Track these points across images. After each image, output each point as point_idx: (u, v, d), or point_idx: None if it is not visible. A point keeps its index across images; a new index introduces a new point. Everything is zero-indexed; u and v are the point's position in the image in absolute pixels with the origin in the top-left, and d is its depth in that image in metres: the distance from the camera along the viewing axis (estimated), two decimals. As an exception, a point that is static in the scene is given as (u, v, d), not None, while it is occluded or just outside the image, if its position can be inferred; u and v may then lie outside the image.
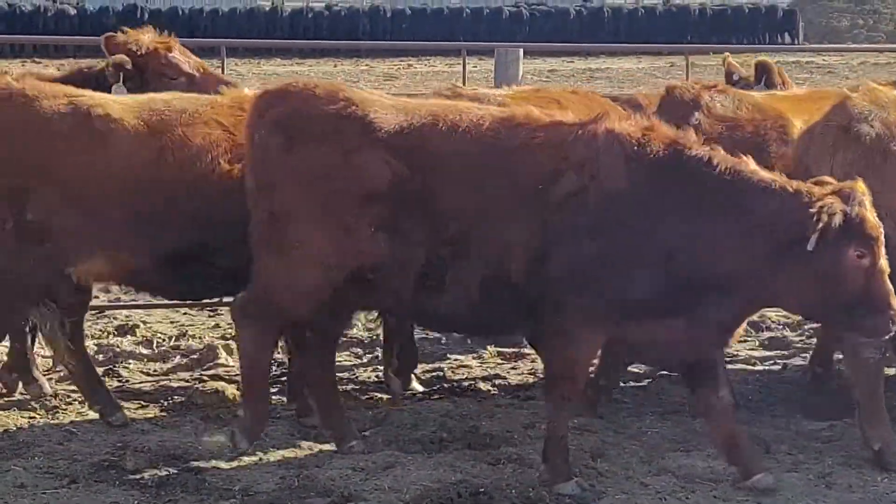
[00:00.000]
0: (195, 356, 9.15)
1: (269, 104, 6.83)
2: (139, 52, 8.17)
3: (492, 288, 6.60)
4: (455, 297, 6.64)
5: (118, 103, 7.48)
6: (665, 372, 8.98)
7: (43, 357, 9.06)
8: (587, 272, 6.46)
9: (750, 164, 6.57)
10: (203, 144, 7.34)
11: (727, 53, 10.92)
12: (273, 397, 8.26)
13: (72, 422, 7.70)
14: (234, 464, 7.03)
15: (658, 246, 6.46)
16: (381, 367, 9.03)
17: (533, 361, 9.22)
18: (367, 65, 35.98)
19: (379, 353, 9.46)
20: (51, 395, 8.13)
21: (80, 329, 7.79)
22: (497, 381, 8.79)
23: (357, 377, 8.86)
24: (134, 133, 7.30)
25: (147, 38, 8.23)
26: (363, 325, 10.17)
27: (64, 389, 8.30)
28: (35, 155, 7.22)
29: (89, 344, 9.33)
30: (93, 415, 7.80)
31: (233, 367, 8.97)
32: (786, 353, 9.69)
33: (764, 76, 9.71)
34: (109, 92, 7.88)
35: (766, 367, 9.30)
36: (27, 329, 8.15)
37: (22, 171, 7.19)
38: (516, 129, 6.65)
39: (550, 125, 6.67)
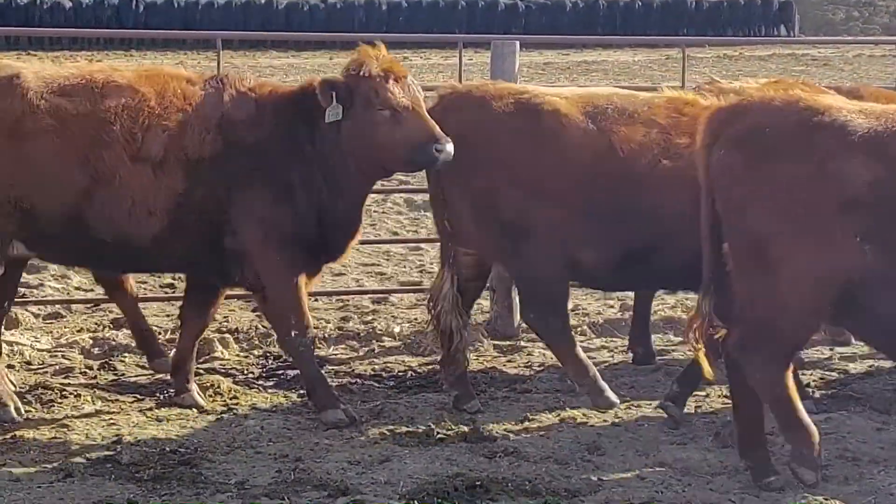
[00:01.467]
0: (191, 349, 9.11)
1: (726, 121, 6.55)
2: (357, 72, 7.61)
3: None
4: None
5: (563, 99, 7.71)
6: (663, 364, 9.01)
7: (39, 350, 9.06)
8: None
9: None
10: (643, 142, 7.58)
11: None
12: (268, 392, 8.29)
13: (67, 415, 7.69)
14: (230, 457, 7.03)
15: None
16: (377, 361, 9.04)
17: (529, 355, 9.22)
18: (362, 57, 35.93)
19: (375, 346, 9.45)
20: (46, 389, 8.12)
21: None
22: (493, 375, 8.79)
23: (353, 370, 8.85)
24: (582, 129, 7.60)
25: (381, 58, 7.61)
26: (359, 318, 10.16)
27: (59, 383, 8.28)
28: (493, 154, 7.50)
29: (84, 337, 9.32)
30: (88, 408, 7.80)
31: (228, 360, 8.96)
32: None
33: None
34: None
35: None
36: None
37: (486, 172, 7.49)
38: None
39: None
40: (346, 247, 7.90)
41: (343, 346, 9.50)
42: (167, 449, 7.08)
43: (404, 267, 12.31)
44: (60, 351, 9.13)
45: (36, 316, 9.90)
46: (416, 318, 10.05)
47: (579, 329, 9.82)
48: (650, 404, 8.06)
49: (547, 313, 7.87)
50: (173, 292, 10.49)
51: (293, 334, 7.66)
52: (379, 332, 9.71)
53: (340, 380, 8.57)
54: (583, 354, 8.04)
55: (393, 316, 10.22)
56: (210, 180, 7.48)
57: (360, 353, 9.36)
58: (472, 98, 7.78)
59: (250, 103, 7.64)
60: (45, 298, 10.47)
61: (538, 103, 7.68)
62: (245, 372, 8.75)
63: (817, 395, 8.30)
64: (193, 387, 7.99)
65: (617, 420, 7.79)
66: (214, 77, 7.77)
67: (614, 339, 9.71)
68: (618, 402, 7.86)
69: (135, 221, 7.42)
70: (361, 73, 7.50)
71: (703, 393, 8.35)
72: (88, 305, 10.32)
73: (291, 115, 7.66)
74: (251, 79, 7.81)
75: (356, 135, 7.50)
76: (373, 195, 9.74)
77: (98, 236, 7.44)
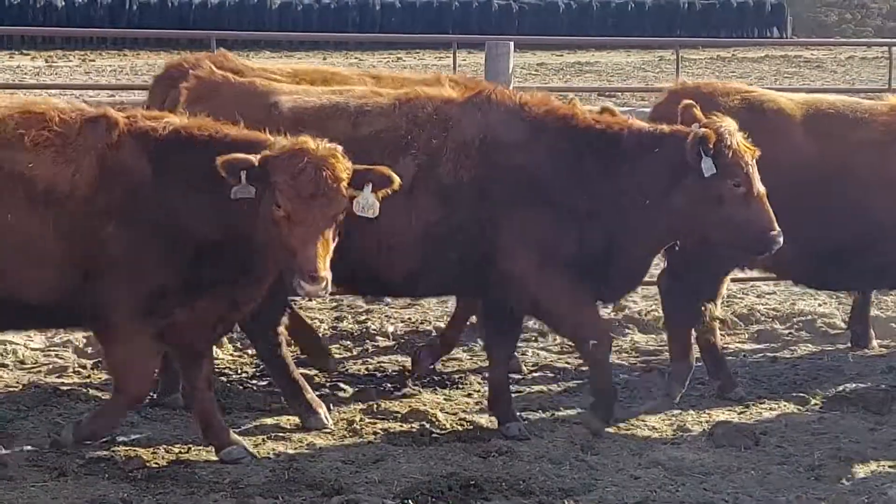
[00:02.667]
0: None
1: None
2: (725, 136, 7.22)
3: None
4: None
5: (789, 100, 8.09)
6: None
7: (32, 349, 9.04)
8: None
9: None
10: (866, 144, 7.91)
11: None
12: (262, 392, 8.29)
13: (60, 414, 7.67)
14: (224, 456, 7.03)
15: None
16: (371, 360, 9.04)
17: (522, 354, 9.21)
18: (356, 58, 35.94)
19: (369, 346, 9.45)
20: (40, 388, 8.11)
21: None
22: (487, 375, 8.77)
23: (347, 370, 8.85)
24: (802, 127, 7.93)
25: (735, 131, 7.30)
26: (353, 318, 10.16)
27: (53, 382, 8.27)
28: None
29: (78, 336, 9.30)
30: (82, 407, 7.78)
31: (222, 359, 8.95)
32: (775, 345, 9.70)
33: None
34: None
35: (756, 360, 9.30)
36: None
37: None
38: None
39: None
40: (618, 296, 8.00)
41: (337, 345, 9.49)
42: (161, 448, 7.07)
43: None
44: (54, 350, 9.12)
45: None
46: (409, 318, 10.05)
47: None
48: (644, 403, 8.07)
49: (689, 302, 8.05)
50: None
51: (591, 343, 7.46)
52: (373, 331, 9.71)
53: (334, 380, 8.55)
54: (693, 356, 8.14)
55: (387, 316, 10.22)
56: (472, 205, 7.26)
57: (354, 353, 9.35)
58: (699, 94, 7.94)
59: (520, 124, 7.36)
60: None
61: (763, 100, 8.03)
62: (239, 371, 8.74)
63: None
64: None
65: (611, 420, 7.79)
66: (478, 94, 7.51)
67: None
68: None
69: (385, 253, 7.27)
70: (730, 142, 7.21)
71: (697, 393, 8.37)
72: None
73: (583, 144, 7.35)
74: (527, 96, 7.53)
75: (696, 198, 7.24)
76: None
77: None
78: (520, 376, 8.66)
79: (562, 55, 37.93)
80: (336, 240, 6.42)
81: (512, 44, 9.96)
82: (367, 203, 6.53)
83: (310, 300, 6.60)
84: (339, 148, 6.46)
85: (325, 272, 6.26)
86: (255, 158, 6.36)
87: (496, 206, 7.23)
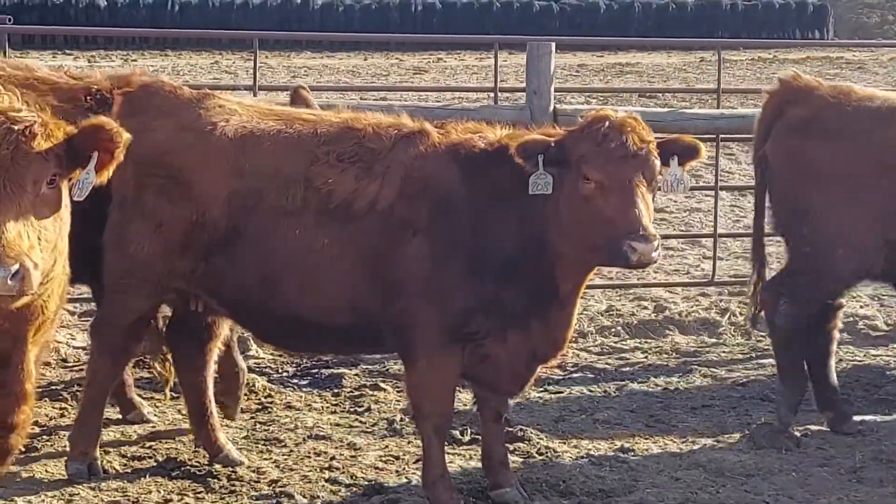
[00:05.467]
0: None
1: None
2: None
3: None
4: None
5: None
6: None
7: (74, 348, 9.08)
8: None
9: None
10: None
11: None
12: (303, 391, 8.31)
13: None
14: (264, 455, 7.04)
15: None
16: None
17: (562, 355, 9.20)
18: (396, 58, 35.93)
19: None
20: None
21: None
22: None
23: (388, 369, 8.85)
24: None
25: None
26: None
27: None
28: None
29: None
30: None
31: (263, 358, 8.96)
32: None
33: None
34: None
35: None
36: None
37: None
38: None
39: None
40: None
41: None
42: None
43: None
44: (96, 348, 9.14)
45: (71, 313, 9.91)
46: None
47: (613, 330, 9.81)
48: (685, 406, 8.05)
49: None
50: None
51: None
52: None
53: (373, 379, 8.56)
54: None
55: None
56: None
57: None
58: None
59: None
60: (80, 296, 10.49)
61: None
62: (279, 371, 8.76)
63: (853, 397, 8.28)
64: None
65: (650, 421, 7.78)
66: None
67: (648, 340, 9.69)
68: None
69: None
70: None
71: (738, 395, 8.34)
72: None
73: None
74: None
75: None
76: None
77: None
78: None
79: (602, 56, 37.82)
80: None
81: (553, 44, 9.92)
82: (677, 178, 6.05)
83: (641, 269, 6.04)
84: (638, 117, 6.06)
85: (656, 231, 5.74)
86: (552, 140, 5.98)
87: None
